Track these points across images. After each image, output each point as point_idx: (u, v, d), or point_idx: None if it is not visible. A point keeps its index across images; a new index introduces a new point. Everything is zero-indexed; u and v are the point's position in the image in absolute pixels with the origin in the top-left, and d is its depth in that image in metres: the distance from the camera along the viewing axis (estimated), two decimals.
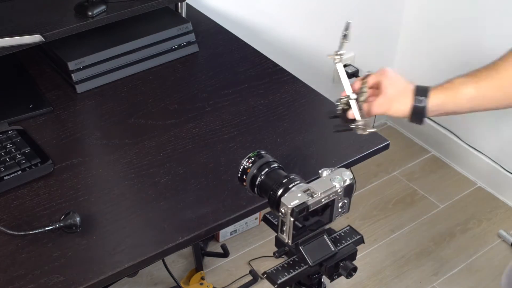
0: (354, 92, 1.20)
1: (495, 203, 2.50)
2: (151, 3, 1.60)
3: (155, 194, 1.29)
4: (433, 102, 1.19)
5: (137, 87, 1.59)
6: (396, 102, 1.21)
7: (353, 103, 1.20)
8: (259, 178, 1.05)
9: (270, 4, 2.18)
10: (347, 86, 1.21)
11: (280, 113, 1.51)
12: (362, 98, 1.20)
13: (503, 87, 1.21)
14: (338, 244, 1.06)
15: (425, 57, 2.58)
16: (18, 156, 1.32)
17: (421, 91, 1.20)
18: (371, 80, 1.22)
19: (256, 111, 1.52)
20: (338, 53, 1.18)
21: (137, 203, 1.27)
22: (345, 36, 1.18)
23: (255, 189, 1.06)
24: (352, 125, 1.21)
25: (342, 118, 1.23)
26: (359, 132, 1.21)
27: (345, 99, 1.21)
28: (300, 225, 1.00)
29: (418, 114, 1.20)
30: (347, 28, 1.18)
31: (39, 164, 1.32)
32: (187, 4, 1.78)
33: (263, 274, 1.04)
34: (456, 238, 2.35)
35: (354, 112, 1.20)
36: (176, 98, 1.53)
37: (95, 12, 1.53)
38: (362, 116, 1.20)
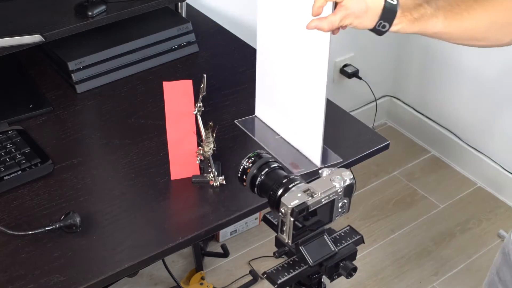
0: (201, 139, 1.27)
1: (495, 203, 2.50)
2: (151, 3, 1.60)
3: (155, 194, 1.29)
4: (397, 29, 1.15)
5: (137, 87, 1.59)
6: (361, 19, 1.15)
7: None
8: (259, 178, 1.04)
9: None
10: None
11: None
12: (206, 149, 1.27)
13: (470, 30, 1.18)
14: (338, 244, 1.06)
15: (426, 55, 2.58)
16: (18, 156, 1.32)
17: (387, 17, 1.14)
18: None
19: None
20: (198, 105, 1.27)
21: (137, 203, 1.27)
22: (201, 89, 1.25)
23: (255, 189, 1.05)
24: (207, 177, 1.29)
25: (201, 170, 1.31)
26: (211, 183, 1.29)
27: (200, 151, 1.28)
28: (300, 225, 1.00)
29: (380, 34, 1.17)
30: (203, 81, 1.25)
31: (39, 164, 1.32)
32: (187, 4, 1.78)
33: (263, 274, 1.03)
34: (456, 238, 2.35)
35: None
36: None
37: (95, 12, 1.53)
38: (209, 167, 1.28)
